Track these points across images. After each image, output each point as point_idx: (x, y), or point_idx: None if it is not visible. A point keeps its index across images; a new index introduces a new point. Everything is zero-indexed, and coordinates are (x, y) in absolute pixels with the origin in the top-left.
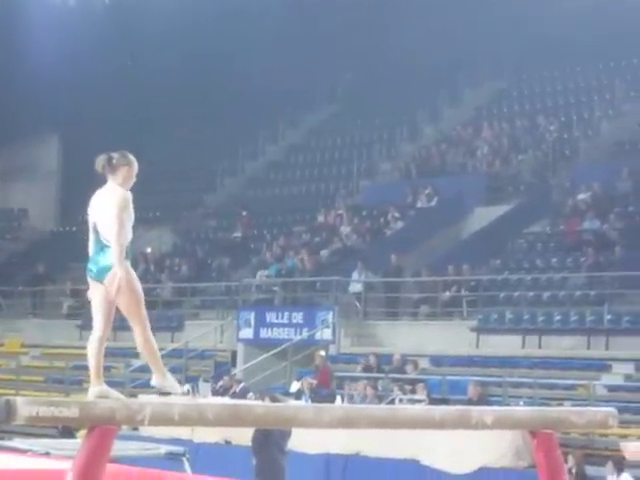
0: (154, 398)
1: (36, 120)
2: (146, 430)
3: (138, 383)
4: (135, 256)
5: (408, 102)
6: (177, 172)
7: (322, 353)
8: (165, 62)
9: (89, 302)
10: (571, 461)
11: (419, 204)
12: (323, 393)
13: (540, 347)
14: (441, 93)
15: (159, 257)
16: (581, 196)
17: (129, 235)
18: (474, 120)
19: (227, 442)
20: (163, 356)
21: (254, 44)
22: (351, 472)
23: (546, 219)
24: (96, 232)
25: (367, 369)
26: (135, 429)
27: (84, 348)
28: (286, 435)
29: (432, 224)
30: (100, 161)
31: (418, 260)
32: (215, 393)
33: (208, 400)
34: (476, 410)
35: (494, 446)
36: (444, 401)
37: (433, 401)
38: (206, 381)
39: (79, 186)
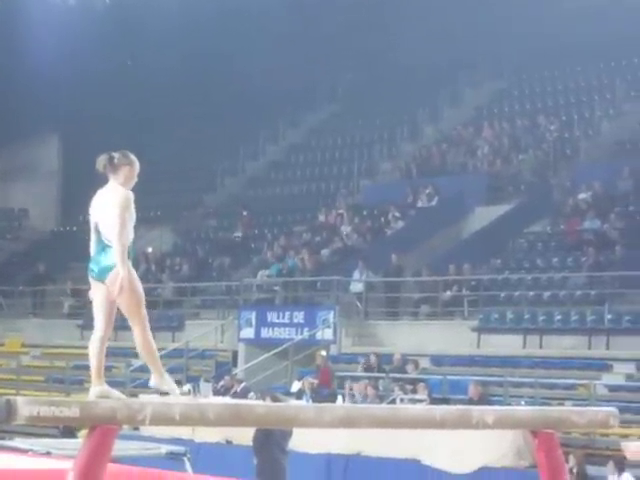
0: (155, 398)
1: (36, 120)
2: (147, 430)
3: (139, 383)
4: (136, 256)
5: (409, 102)
6: (178, 172)
7: (323, 353)
8: (165, 62)
9: (90, 302)
10: (572, 461)
11: (420, 204)
12: (324, 393)
13: (541, 347)
14: (442, 93)
15: (160, 257)
16: (582, 196)
17: (131, 235)
18: (475, 120)
19: (228, 442)
20: (164, 356)
21: (255, 44)
22: (352, 472)
23: (547, 219)
24: (98, 232)
25: (368, 369)
26: (136, 429)
27: (85, 348)
28: (287, 435)
29: (433, 224)
30: (101, 161)
31: (419, 260)
32: (216, 393)
33: (209, 400)
34: (477, 410)
35: (495, 446)
36: (445, 401)
37: (434, 401)
38: (207, 381)
39: (79, 186)
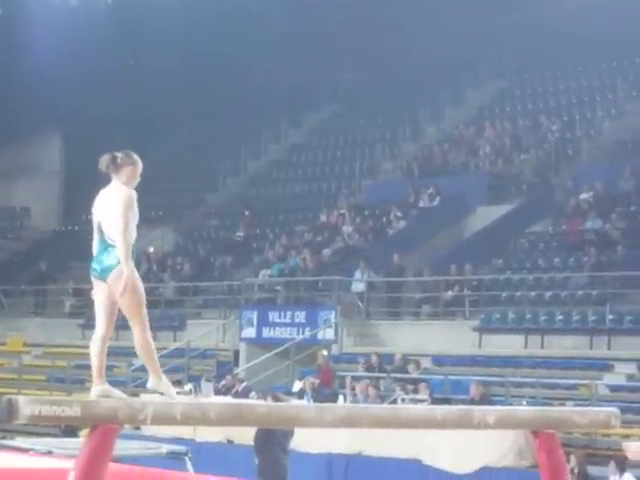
0: (156, 397)
1: (38, 119)
2: (148, 429)
3: (140, 382)
4: (138, 256)
5: (410, 101)
6: (179, 171)
7: (324, 352)
8: (167, 62)
9: (92, 301)
10: (573, 461)
11: (421, 203)
12: (325, 393)
13: (542, 347)
14: (443, 92)
15: (161, 256)
16: (583, 196)
17: (133, 234)
18: (476, 119)
19: (229, 441)
20: (165, 355)
21: (256, 44)
22: (353, 472)
23: (548, 219)
24: (100, 231)
25: (369, 369)
26: (137, 428)
27: (86, 347)
28: (288, 434)
29: (434, 224)
30: (104, 160)
31: (420, 260)
32: (217, 392)
33: (210, 399)
34: (478, 410)
35: (496, 446)
36: (446, 401)
37: (435, 401)
38: (208, 380)
39: (81, 185)
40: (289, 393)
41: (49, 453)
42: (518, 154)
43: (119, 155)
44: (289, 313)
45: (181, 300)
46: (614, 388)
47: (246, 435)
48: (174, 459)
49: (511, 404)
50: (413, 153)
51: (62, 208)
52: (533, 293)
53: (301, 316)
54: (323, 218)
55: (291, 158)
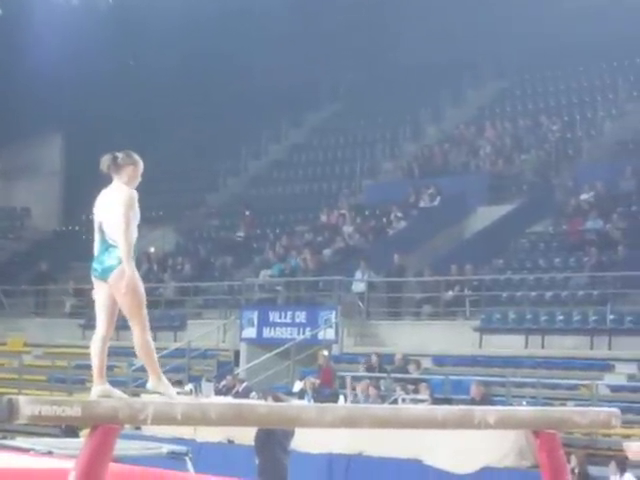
0: (157, 397)
1: (39, 119)
2: (149, 429)
3: (140, 382)
4: (139, 256)
5: (411, 101)
6: (180, 171)
7: (325, 353)
8: (168, 62)
9: (92, 301)
10: (574, 461)
11: (422, 203)
12: (326, 393)
13: (543, 347)
14: (444, 92)
15: (162, 256)
16: (584, 196)
17: (135, 234)
18: (477, 120)
19: (230, 441)
20: (166, 355)
21: (256, 43)
22: (354, 472)
23: (549, 219)
24: (102, 232)
25: (369, 369)
26: (138, 428)
27: (87, 347)
28: (289, 434)
29: (435, 224)
30: (105, 161)
31: (421, 260)
32: (218, 392)
33: (211, 400)
34: (479, 410)
35: (497, 446)
36: (447, 401)
37: (436, 401)
38: (209, 380)
39: (82, 185)
40: (290, 393)
41: (49, 453)
42: (519, 154)
43: (120, 155)
44: (289, 313)
45: (181, 300)
46: (615, 388)
47: (247, 435)
48: (175, 459)
49: (512, 404)
50: (413, 153)
51: (63, 208)
52: (534, 293)
53: (301, 316)
54: (323, 218)
55: (291, 158)
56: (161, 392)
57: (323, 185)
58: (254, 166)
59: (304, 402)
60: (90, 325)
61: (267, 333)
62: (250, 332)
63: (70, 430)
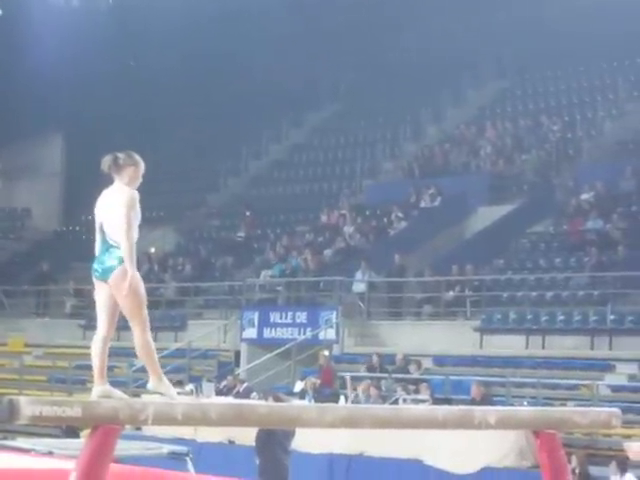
0: (157, 398)
1: (39, 120)
2: (149, 430)
3: (141, 383)
4: (139, 256)
5: (411, 101)
6: (180, 172)
7: (325, 353)
8: (168, 62)
9: (93, 302)
10: (574, 461)
11: (422, 204)
12: (326, 393)
13: (543, 347)
14: (444, 92)
15: (162, 257)
16: (584, 196)
17: (136, 234)
18: (477, 120)
19: (230, 442)
20: (166, 356)
21: (256, 44)
22: (354, 472)
23: (549, 219)
24: (102, 232)
25: (370, 369)
26: (138, 429)
27: (87, 348)
28: (290, 435)
29: (435, 224)
30: (106, 161)
31: (421, 260)
32: (219, 393)
33: (211, 400)
34: (479, 410)
35: (497, 446)
36: (447, 401)
37: (436, 401)
38: (209, 381)
39: (82, 186)
40: (290, 393)
41: (50, 454)
42: (519, 154)
43: (121, 156)
44: (290, 313)
45: (182, 300)
46: (615, 388)
47: (247, 435)
48: (175, 459)
49: (512, 404)
50: (414, 153)
51: (63, 209)
52: (534, 293)
53: (302, 316)
54: (324, 218)
55: (292, 158)
56: (162, 392)
57: (324, 185)
58: (254, 166)
59: (305, 402)
60: (91, 325)
61: (268, 333)
62: (251, 332)
63: (71, 430)
